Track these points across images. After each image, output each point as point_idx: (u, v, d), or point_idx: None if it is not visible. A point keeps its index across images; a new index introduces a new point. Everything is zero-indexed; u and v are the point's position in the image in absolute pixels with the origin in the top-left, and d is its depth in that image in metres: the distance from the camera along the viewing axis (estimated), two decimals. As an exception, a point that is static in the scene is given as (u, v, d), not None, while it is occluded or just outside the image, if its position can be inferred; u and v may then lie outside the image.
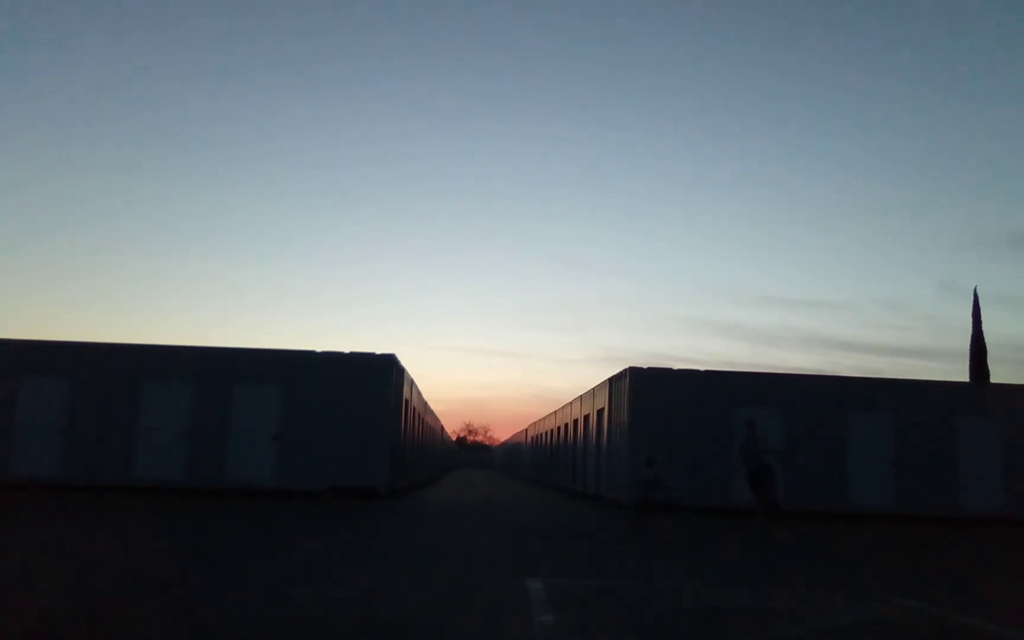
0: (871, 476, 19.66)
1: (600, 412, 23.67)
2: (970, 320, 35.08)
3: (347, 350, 19.84)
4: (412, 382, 24.43)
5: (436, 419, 42.67)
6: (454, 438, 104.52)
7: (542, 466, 40.22)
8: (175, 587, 6.17)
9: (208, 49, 69.67)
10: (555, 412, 35.26)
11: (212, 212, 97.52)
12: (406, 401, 22.51)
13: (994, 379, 33.26)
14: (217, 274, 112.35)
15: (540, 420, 43.32)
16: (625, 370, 20.59)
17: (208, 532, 10.30)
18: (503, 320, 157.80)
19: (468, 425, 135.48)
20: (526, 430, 54.09)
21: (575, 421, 28.68)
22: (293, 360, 19.64)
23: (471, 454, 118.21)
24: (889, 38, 66.82)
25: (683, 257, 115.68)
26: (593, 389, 25.31)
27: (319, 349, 19.79)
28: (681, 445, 19.57)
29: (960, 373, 35.76)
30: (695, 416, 19.74)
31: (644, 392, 19.87)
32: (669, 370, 20.39)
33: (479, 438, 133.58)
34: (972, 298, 35.22)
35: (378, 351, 20.05)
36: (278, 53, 76.59)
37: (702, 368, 20.63)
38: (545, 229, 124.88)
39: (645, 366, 20.26)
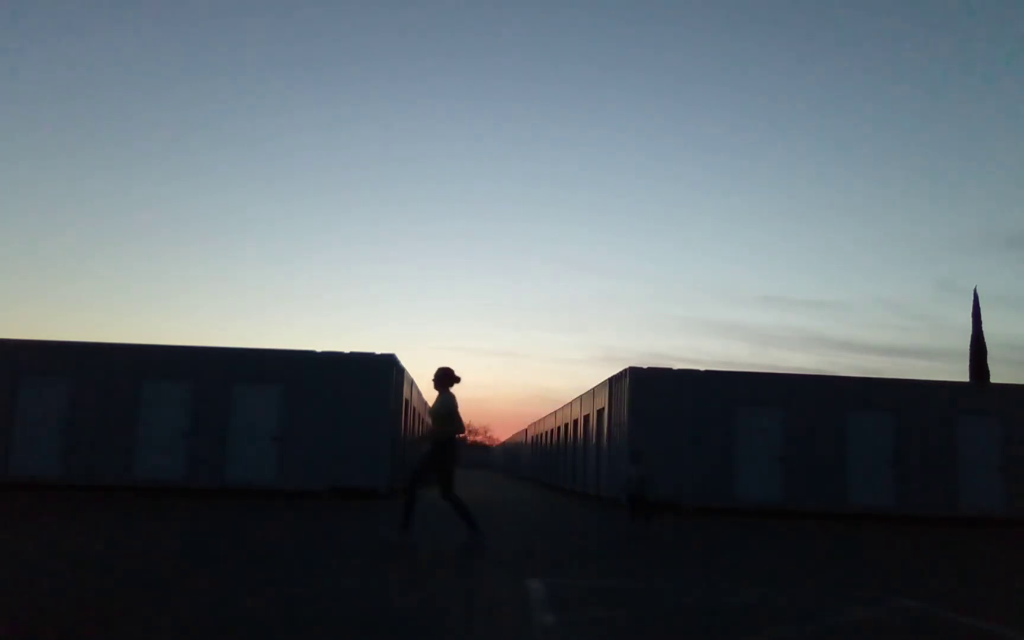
0: (871, 476, 19.68)
1: (600, 412, 23.68)
2: (970, 320, 35.12)
3: (347, 350, 19.88)
4: (412, 382, 24.43)
5: (436, 419, 42.59)
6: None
7: (542, 466, 40.23)
8: (179, 588, 6.17)
9: (208, 50, 69.68)
10: (555, 412, 35.28)
11: (212, 212, 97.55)
12: (406, 401, 22.52)
13: (994, 379, 33.31)
14: (217, 274, 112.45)
15: (540, 420, 43.33)
16: (625, 370, 20.60)
17: (210, 532, 10.30)
18: (503, 320, 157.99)
19: (468, 425, 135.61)
20: (526, 430, 54.09)
21: (575, 421, 28.69)
22: (293, 360, 19.65)
23: (471, 454, 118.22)
24: (889, 38, 66.83)
25: (683, 257, 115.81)
26: (593, 389, 25.32)
27: (319, 349, 19.83)
28: (681, 445, 19.58)
29: (960, 373, 35.82)
30: (695, 416, 19.76)
31: (644, 392, 19.88)
32: (669, 370, 20.41)
33: (479, 438, 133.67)
34: (972, 298, 35.26)
35: (378, 351, 20.08)
36: (278, 54, 76.58)
37: (702, 368, 20.67)
38: (545, 229, 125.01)
39: (645, 366, 20.28)
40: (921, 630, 5.65)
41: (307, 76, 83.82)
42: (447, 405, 9.80)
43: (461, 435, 9.88)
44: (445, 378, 10.03)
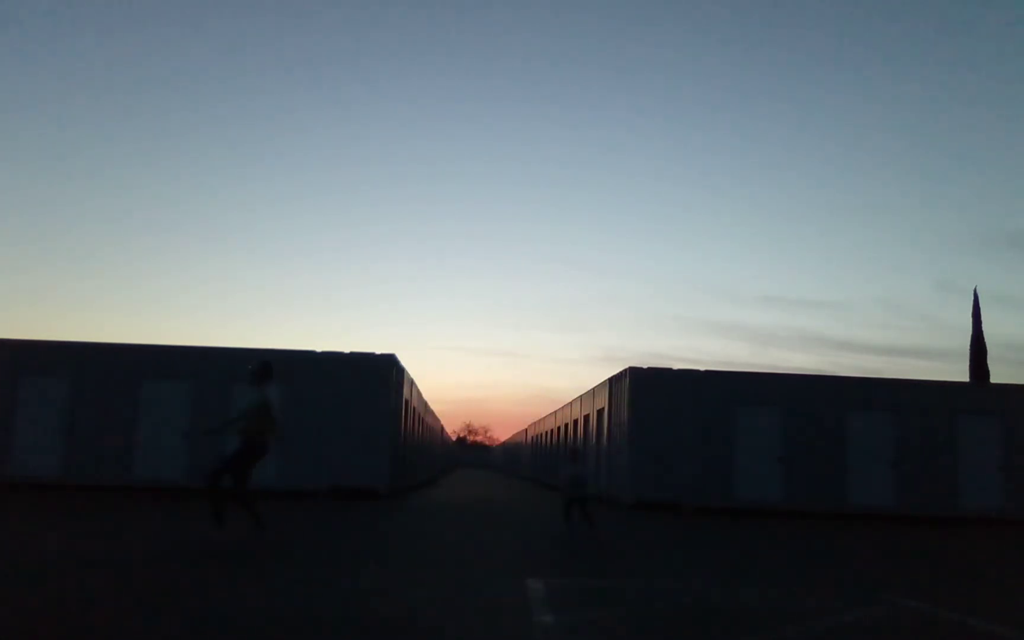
0: (871, 476, 19.66)
1: (600, 412, 23.67)
2: (970, 320, 35.10)
3: (347, 350, 19.85)
4: (412, 382, 24.42)
5: (436, 419, 42.66)
6: (454, 438, 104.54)
7: (542, 466, 40.23)
8: (176, 590, 6.17)
9: (208, 49, 69.70)
10: (555, 412, 35.27)
11: (212, 212, 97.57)
12: (406, 401, 22.50)
13: (994, 379, 33.28)
14: (217, 274, 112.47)
15: (540, 420, 43.33)
16: (625, 370, 20.59)
17: (212, 532, 10.30)
18: (503, 320, 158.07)
19: (468, 425, 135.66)
20: (526, 430, 54.09)
21: (575, 421, 28.69)
22: (293, 360, 19.63)
23: (471, 454, 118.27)
24: (889, 38, 66.85)
25: (683, 257, 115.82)
26: (593, 389, 25.31)
27: (319, 349, 19.80)
28: (681, 445, 19.57)
29: (960, 373, 35.79)
30: (695, 416, 19.74)
31: (644, 392, 19.87)
32: (669, 370, 20.39)
33: (479, 438, 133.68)
34: (972, 298, 35.25)
35: (378, 351, 20.06)
36: (278, 53, 76.61)
37: (702, 368, 20.65)
38: (545, 229, 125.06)
39: (645, 366, 20.27)
40: (921, 630, 5.65)
41: (307, 76, 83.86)
42: (264, 403, 9.48)
43: (274, 435, 9.58)
44: (265, 373, 9.65)
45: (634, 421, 19.72)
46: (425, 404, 31.69)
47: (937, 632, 5.61)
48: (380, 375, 19.86)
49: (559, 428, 33.33)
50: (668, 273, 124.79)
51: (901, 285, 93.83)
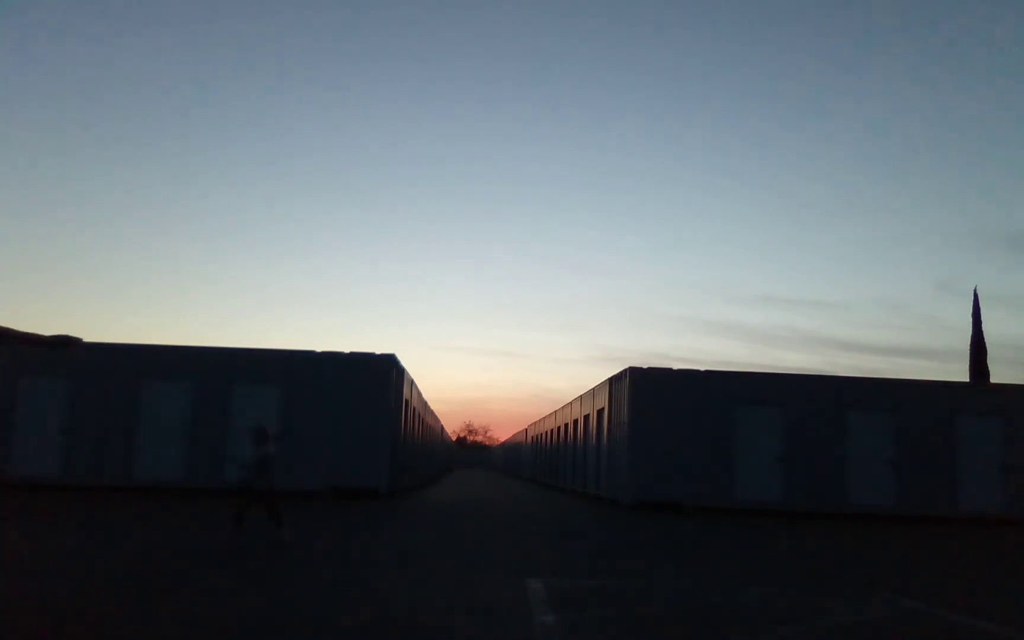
0: (871, 476, 19.66)
1: (600, 412, 23.67)
2: (970, 320, 35.08)
3: (347, 350, 19.85)
4: (412, 382, 24.42)
5: (436, 419, 42.66)
6: (454, 438, 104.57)
7: (542, 466, 40.24)
8: (175, 590, 6.17)
9: (208, 48, 69.75)
10: (555, 412, 35.27)
11: (212, 212, 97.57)
12: (406, 401, 22.50)
13: (994, 379, 33.25)
14: (217, 274, 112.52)
15: (540, 420, 43.33)
16: (625, 370, 20.59)
17: (211, 531, 10.29)
18: (503, 320, 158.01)
19: (468, 425, 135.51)
20: (526, 430, 54.10)
21: (575, 421, 28.69)
22: (293, 360, 19.63)
23: (471, 454, 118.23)
24: (888, 37, 66.89)
25: (682, 257, 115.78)
26: (593, 389, 25.32)
27: (319, 349, 19.80)
28: (681, 445, 19.57)
29: (960, 373, 35.76)
30: (695, 416, 19.74)
31: (644, 392, 19.87)
32: (669, 370, 20.39)
33: (479, 438, 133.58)
34: (972, 298, 35.24)
35: (378, 351, 20.05)
36: (278, 53, 76.68)
37: (702, 368, 20.64)
38: (544, 229, 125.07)
39: (645, 366, 20.27)
40: (921, 630, 5.65)
41: (307, 75, 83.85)
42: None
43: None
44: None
45: (634, 421, 19.71)
46: (425, 404, 31.69)
47: (936, 632, 5.61)
48: (380, 375, 19.86)
49: (559, 428, 33.33)
50: (668, 273, 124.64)
51: (901, 285, 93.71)
